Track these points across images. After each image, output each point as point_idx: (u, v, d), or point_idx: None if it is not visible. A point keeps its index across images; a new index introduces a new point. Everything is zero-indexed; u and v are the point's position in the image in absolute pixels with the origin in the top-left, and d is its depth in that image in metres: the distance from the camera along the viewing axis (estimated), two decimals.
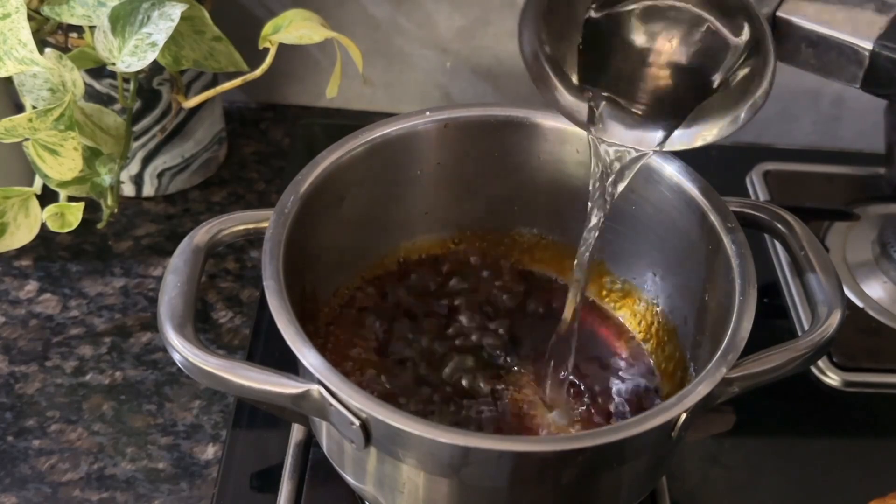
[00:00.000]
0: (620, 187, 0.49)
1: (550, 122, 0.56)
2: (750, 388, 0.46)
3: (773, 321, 0.66)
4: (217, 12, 0.62)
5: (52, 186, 0.58)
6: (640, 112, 0.49)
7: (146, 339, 0.62)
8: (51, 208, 0.58)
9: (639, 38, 0.48)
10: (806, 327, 0.49)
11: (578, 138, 0.55)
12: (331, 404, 0.42)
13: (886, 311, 0.66)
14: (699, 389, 0.43)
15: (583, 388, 0.54)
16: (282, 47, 0.60)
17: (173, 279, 0.47)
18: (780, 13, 0.51)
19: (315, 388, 0.43)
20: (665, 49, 0.47)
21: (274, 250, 0.47)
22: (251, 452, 0.55)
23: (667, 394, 0.54)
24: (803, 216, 0.53)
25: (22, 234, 0.59)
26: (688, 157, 0.54)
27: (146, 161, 0.70)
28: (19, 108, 0.62)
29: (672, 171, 0.53)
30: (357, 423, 0.42)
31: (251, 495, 0.54)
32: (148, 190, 0.72)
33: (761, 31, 0.44)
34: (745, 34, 0.46)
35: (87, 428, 0.57)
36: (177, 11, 0.55)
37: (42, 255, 0.67)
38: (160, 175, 0.71)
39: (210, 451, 0.56)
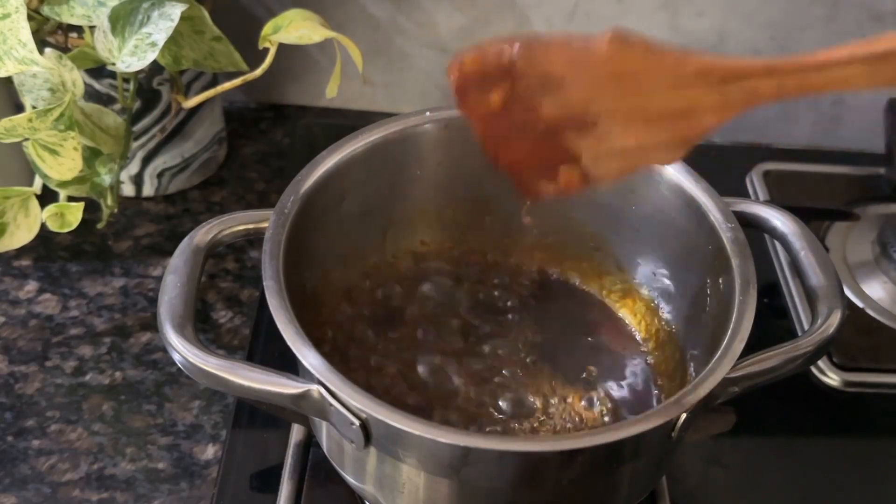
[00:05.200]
0: None
1: None
2: (750, 387, 0.46)
3: (773, 321, 0.66)
4: (217, 12, 0.62)
5: (52, 186, 0.58)
6: None
7: (146, 339, 0.62)
8: (51, 208, 0.58)
9: None
10: (806, 327, 0.49)
11: None
12: (331, 404, 0.42)
13: (886, 311, 0.66)
14: (699, 389, 0.43)
15: (583, 387, 0.54)
16: (282, 47, 0.60)
17: (173, 279, 0.47)
18: None
19: (315, 388, 0.43)
20: None
21: (274, 250, 0.47)
22: (251, 452, 0.55)
23: (667, 394, 0.54)
24: (803, 216, 0.53)
25: (22, 234, 0.59)
26: (688, 157, 0.53)
27: (146, 161, 0.70)
28: (19, 108, 0.62)
29: (672, 171, 0.53)
30: (357, 423, 0.42)
31: (251, 495, 0.54)
32: (148, 190, 0.72)
33: None
34: None
35: (87, 428, 0.57)
36: (177, 11, 0.55)
37: (42, 255, 0.67)
38: (160, 175, 0.71)
39: (210, 451, 0.56)
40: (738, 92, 0.41)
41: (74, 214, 0.59)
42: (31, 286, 0.65)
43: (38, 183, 0.59)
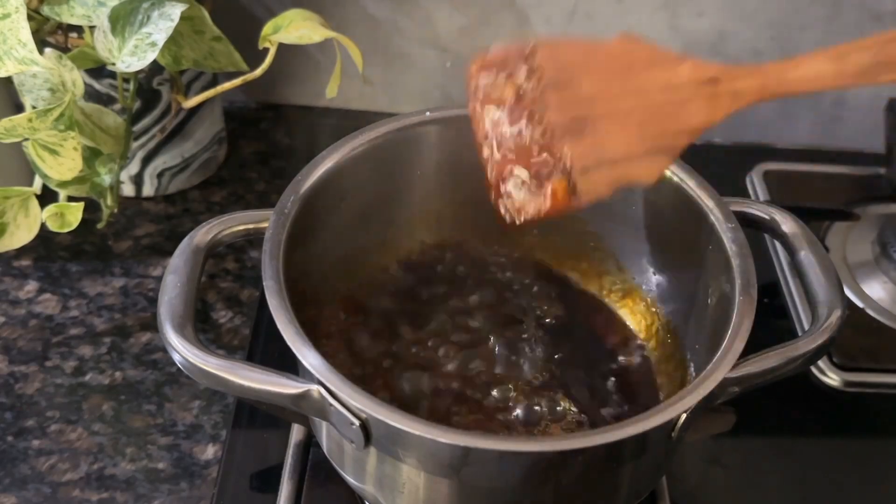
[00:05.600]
0: None
1: None
2: (750, 388, 0.46)
3: (773, 321, 0.66)
4: (217, 12, 0.62)
5: (52, 186, 0.58)
6: None
7: (146, 339, 0.62)
8: (51, 208, 0.58)
9: None
10: (806, 327, 0.49)
11: None
12: (331, 404, 0.42)
13: (886, 311, 0.66)
14: (699, 389, 0.43)
15: (583, 387, 0.54)
16: (282, 47, 0.60)
17: (173, 279, 0.47)
18: None
19: (315, 389, 0.43)
20: None
21: (274, 250, 0.47)
22: (251, 452, 0.55)
23: (667, 394, 0.54)
24: (803, 216, 0.53)
25: (22, 234, 0.59)
26: (688, 157, 0.54)
27: (146, 161, 0.70)
28: (19, 108, 0.62)
29: (672, 171, 0.53)
30: (357, 423, 0.42)
31: (251, 495, 0.54)
32: (148, 190, 0.72)
33: None
34: None
35: (87, 428, 0.57)
36: (177, 11, 0.55)
37: (42, 255, 0.67)
38: (160, 175, 0.71)
39: (210, 451, 0.56)
40: (724, 92, 0.46)
41: (74, 214, 0.59)
42: (31, 286, 0.65)
43: (38, 183, 0.59)
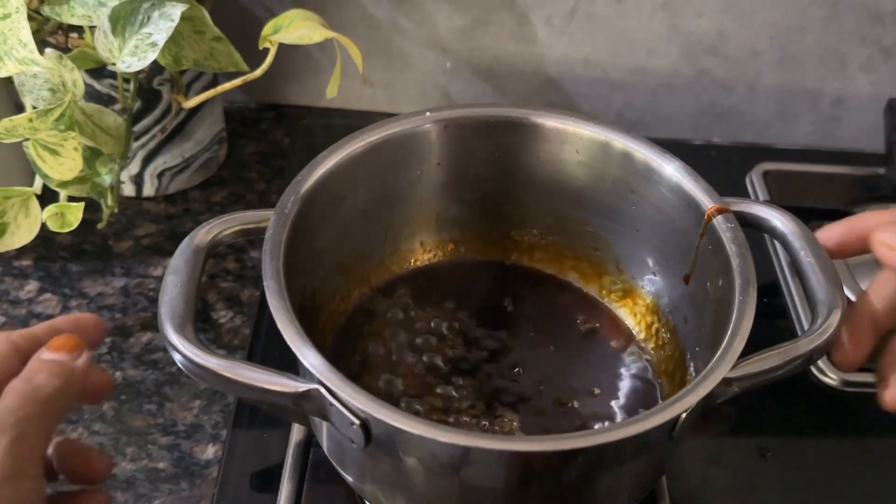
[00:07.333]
0: None
1: (550, 122, 0.56)
2: (750, 388, 0.46)
3: (773, 321, 0.66)
4: (217, 12, 0.62)
5: (53, 186, 0.58)
6: None
7: (146, 339, 0.62)
8: (51, 208, 0.58)
9: None
10: (806, 327, 0.48)
11: (578, 138, 0.55)
12: (331, 404, 0.42)
13: None
14: (699, 389, 0.43)
15: (582, 388, 0.54)
16: (282, 47, 0.60)
17: (173, 279, 0.47)
18: None
19: (315, 388, 0.43)
20: None
21: (274, 250, 0.47)
22: (251, 452, 0.55)
23: (667, 394, 0.54)
24: (803, 216, 0.53)
25: (22, 234, 0.59)
26: (688, 158, 0.54)
27: (146, 161, 0.70)
28: (19, 108, 0.62)
29: (672, 171, 0.53)
30: (357, 422, 0.42)
31: (251, 495, 0.54)
32: (148, 190, 0.72)
33: None
34: None
35: (87, 428, 0.57)
36: (177, 11, 0.55)
37: (42, 255, 0.67)
38: (160, 175, 0.71)
39: (210, 451, 0.57)
40: None
41: (75, 214, 0.59)
42: (32, 286, 0.65)
43: (38, 183, 0.59)
